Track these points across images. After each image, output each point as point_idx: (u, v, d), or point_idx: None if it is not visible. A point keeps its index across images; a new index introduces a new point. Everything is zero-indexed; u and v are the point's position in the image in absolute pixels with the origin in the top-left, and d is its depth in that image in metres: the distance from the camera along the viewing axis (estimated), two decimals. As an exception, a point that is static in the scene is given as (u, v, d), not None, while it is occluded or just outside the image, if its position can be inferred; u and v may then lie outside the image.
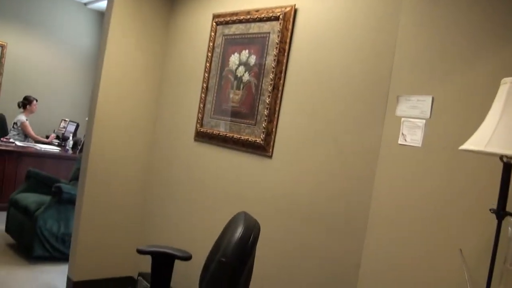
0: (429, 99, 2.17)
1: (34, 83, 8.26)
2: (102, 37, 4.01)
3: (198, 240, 3.50)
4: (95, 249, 4.05)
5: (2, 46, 8.04)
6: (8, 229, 5.03)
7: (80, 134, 7.51)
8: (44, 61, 8.37)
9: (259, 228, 2.12)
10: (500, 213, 1.72)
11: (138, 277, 3.70)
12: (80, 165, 4.62)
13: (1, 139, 6.58)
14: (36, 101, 7.33)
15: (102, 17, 8.78)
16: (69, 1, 8.46)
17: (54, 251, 4.58)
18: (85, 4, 8.56)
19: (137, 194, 4.24)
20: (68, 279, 4.06)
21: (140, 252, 2.59)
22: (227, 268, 1.92)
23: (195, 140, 3.73)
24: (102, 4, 8.25)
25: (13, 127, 7.19)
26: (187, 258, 2.59)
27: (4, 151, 6.20)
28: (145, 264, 3.88)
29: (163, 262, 2.58)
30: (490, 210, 1.77)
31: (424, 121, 2.18)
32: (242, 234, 1.96)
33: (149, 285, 3.46)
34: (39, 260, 4.57)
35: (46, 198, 4.81)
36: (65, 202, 4.61)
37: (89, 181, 3.95)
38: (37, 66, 8.30)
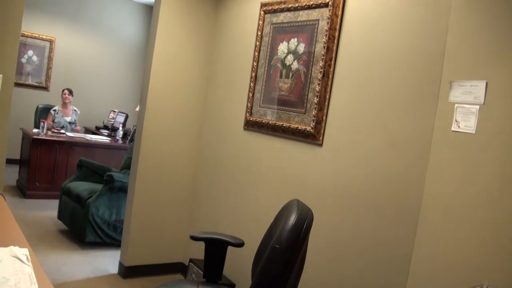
0: (483, 84, 2.11)
1: (82, 76, 8.50)
2: (151, 29, 4.08)
3: (248, 228, 3.54)
4: (147, 236, 4.16)
5: (51, 41, 8.29)
6: (60, 216, 5.20)
7: (129, 125, 7.68)
8: (91, 54, 8.58)
9: (312, 216, 2.13)
10: None
11: (189, 263, 3.77)
12: (130, 154, 4.74)
13: (53, 130, 6.79)
14: (69, 91, 7.23)
15: (147, 9, 8.93)
16: (115, -5, 8.64)
17: (106, 237, 4.72)
18: (131, -3, 8.71)
19: (187, 182, 4.32)
20: (120, 264, 4.19)
21: (193, 238, 2.63)
22: (281, 254, 1.93)
23: (245, 129, 3.75)
24: (147, -3, 8.39)
25: None
26: (239, 244, 2.63)
27: (55, 141, 6.41)
28: (196, 251, 3.96)
29: (216, 249, 2.62)
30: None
31: (478, 106, 2.12)
32: (296, 221, 1.97)
33: (200, 271, 3.53)
34: (91, 246, 4.71)
35: (98, 187, 4.95)
36: (117, 190, 4.74)
37: (140, 169, 4.04)
38: (85, 59, 8.53)
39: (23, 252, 1.80)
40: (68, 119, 7.22)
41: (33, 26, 7.96)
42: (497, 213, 2.00)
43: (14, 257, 1.75)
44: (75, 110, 7.36)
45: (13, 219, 2.36)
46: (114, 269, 4.24)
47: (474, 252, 2.07)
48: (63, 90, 7.24)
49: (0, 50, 3.32)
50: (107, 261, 4.41)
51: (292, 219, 1.97)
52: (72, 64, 8.43)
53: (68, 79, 8.28)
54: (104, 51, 8.70)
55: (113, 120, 7.98)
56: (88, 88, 8.50)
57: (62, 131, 6.89)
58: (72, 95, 7.23)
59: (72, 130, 7.22)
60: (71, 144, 6.50)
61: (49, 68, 8.35)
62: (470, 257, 2.08)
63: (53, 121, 7.08)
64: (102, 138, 7.03)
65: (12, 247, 1.81)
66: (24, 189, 6.34)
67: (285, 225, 1.97)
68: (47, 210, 5.72)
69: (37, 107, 7.57)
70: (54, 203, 5.56)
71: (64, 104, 7.23)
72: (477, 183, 2.09)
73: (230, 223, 3.80)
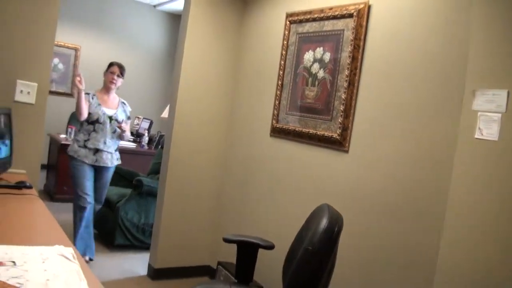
0: (504, 93, 2.18)
1: (107, 83, 8.64)
2: (180, 38, 4.21)
3: (276, 231, 3.62)
4: (175, 238, 4.28)
5: (76, 49, 8.49)
6: (90, 220, 5.34)
7: (153, 130, 7.83)
8: (115, 60, 8.73)
9: (342, 220, 2.21)
10: None
11: (218, 266, 3.87)
12: (158, 159, 4.86)
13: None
14: (120, 67, 4.49)
15: (171, 17, 9.08)
16: (139, 4, 8.80)
17: (135, 240, 4.85)
18: (155, 6, 8.87)
19: (215, 186, 4.44)
20: (149, 266, 4.31)
21: (226, 240, 2.73)
22: (313, 257, 2.03)
23: (271, 135, 3.85)
24: (171, 6, 8.54)
25: None
26: (270, 247, 2.72)
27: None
28: (223, 254, 4.06)
29: (247, 251, 2.72)
30: None
31: (500, 115, 2.19)
32: (328, 224, 2.06)
33: (228, 274, 3.63)
34: (120, 248, 4.85)
35: (127, 191, 5.10)
36: (145, 194, 4.88)
37: (170, 174, 4.17)
38: (109, 66, 8.67)
39: (69, 251, 1.90)
40: (110, 112, 4.36)
41: (59, 35, 8.07)
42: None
43: (61, 255, 1.84)
44: (123, 104, 4.57)
45: (54, 220, 2.46)
46: (143, 271, 4.37)
47: (500, 258, 2.12)
48: (110, 65, 4.55)
49: (35, 60, 3.46)
50: (136, 263, 4.54)
51: (324, 222, 2.07)
52: (97, 71, 8.48)
53: (93, 86, 8.41)
54: (128, 58, 8.82)
55: (138, 126, 8.14)
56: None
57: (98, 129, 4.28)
58: (123, 78, 4.52)
59: (115, 135, 4.41)
60: (99, 150, 6.65)
61: (74, 75, 8.52)
62: (496, 263, 2.13)
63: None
64: (128, 144, 7.18)
65: (57, 246, 1.91)
66: (52, 193, 6.52)
67: (317, 228, 2.06)
68: (74, 214, 5.87)
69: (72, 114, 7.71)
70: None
71: (107, 89, 4.46)
72: (500, 190, 2.15)
73: (258, 226, 3.90)
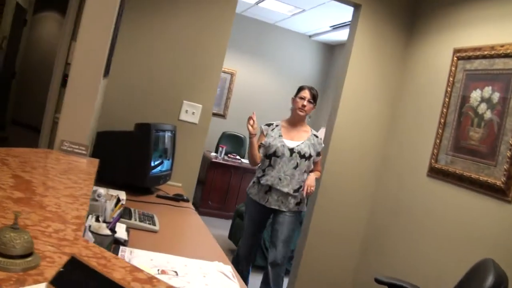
0: None
1: (258, 107, 8.94)
2: (341, 68, 4.27)
3: (425, 277, 3.40)
4: (315, 268, 4.26)
5: (232, 74, 8.95)
6: (230, 237, 5.52)
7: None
8: (268, 87, 9.05)
9: (507, 278, 2.04)
10: None
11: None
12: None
13: (229, 155, 7.28)
14: (311, 93, 3.83)
15: (324, 48, 9.21)
16: (295, 34, 9.05)
17: (274, 264, 4.90)
18: (310, 36, 9.08)
19: (363, 219, 4.36)
20: (287, 293, 4.33)
21: (378, 281, 2.64)
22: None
23: (428, 175, 3.67)
24: (325, 37, 8.69)
25: None
26: (422, 295, 2.58)
27: (231, 166, 6.90)
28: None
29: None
30: None
31: None
32: (493, 283, 1.91)
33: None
34: (258, 270, 4.89)
35: (271, 213, 5.18)
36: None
37: (317, 203, 4.20)
38: (261, 91, 9.03)
39: (227, 268, 1.96)
40: (292, 144, 3.68)
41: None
42: None
43: (221, 272, 1.91)
44: (315, 136, 3.82)
45: (212, 236, 2.56)
46: (281, 295, 4.39)
47: None
48: (300, 89, 3.90)
49: (202, 83, 3.71)
50: (273, 287, 4.57)
51: (490, 280, 1.91)
52: (250, 96, 8.95)
53: (244, 109, 8.83)
54: (280, 85, 9.12)
55: (284, 151, 8.31)
56: (262, 120, 8.96)
57: (276, 166, 3.62)
58: (314, 105, 3.84)
59: (296, 172, 3.62)
60: (245, 170, 6.93)
61: (228, 98, 9.00)
62: None
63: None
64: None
65: (217, 262, 1.98)
66: (197, 206, 6.89)
67: (482, 286, 1.91)
68: (218, 229, 6.11)
69: (222, 133, 8.13)
70: (224, 223, 5.92)
71: (294, 117, 3.85)
72: None
73: (405, 269, 3.71)
